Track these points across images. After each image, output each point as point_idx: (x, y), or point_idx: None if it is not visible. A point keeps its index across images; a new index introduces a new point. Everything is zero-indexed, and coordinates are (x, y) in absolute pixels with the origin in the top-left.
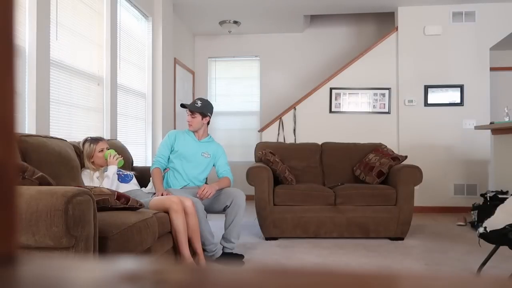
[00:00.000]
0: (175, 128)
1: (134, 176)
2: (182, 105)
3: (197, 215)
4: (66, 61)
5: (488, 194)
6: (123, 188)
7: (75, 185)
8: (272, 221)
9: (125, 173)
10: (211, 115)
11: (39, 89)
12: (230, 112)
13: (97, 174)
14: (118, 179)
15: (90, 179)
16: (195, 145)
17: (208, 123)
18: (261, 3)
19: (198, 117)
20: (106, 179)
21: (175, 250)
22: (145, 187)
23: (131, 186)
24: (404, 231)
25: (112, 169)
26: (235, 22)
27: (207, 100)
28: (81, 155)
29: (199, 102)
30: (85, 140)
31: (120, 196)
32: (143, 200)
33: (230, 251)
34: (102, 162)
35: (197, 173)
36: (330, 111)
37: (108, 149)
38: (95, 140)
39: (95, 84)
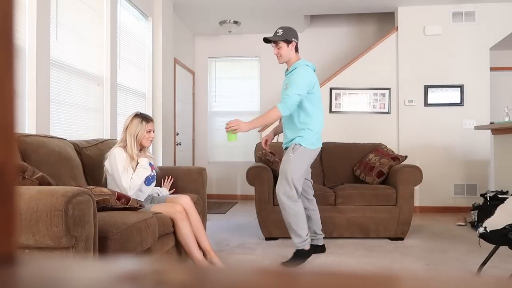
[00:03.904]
0: (175, 128)
1: (156, 177)
2: (265, 40)
3: None
4: (66, 61)
5: (488, 194)
6: (144, 193)
7: (76, 184)
8: (272, 221)
9: (152, 174)
10: (297, 39)
11: (39, 89)
12: (230, 112)
13: (133, 163)
14: (144, 182)
15: (127, 161)
16: (283, 81)
17: (296, 49)
18: (261, 3)
19: (283, 45)
20: (140, 170)
21: (177, 250)
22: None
23: (151, 189)
24: (404, 231)
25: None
26: (235, 22)
27: (288, 26)
28: (124, 131)
29: (279, 30)
30: (135, 115)
31: (120, 196)
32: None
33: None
34: (146, 143)
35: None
36: (330, 111)
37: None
38: (146, 118)
39: (95, 84)
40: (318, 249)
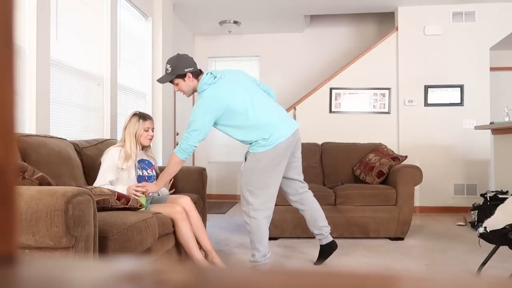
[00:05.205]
0: (175, 128)
1: (154, 178)
2: (158, 81)
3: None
4: (66, 61)
5: (488, 194)
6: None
7: (75, 184)
8: (272, 221)
9: (149, 174)
10: (192, 67)
11: (39, 89)
12: None
13: (130, 162)
14: (139, 182)
15: (121, 159)
16: None
17: (197, 77)
18: (261, 3)
19: (180, 81)
20: (128, 172)
21: (177, 250)
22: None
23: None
24: (404, 231)
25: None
26: (235, 22)
27: (175, 56)
28: (123, 131)
29: (168, 66)
30: (133, 114)
31: (120, 196)
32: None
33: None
34: (144, 142)
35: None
36: (330, 111)
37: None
38: (144, 116)
39: (95, 84)
40: (326, 248)
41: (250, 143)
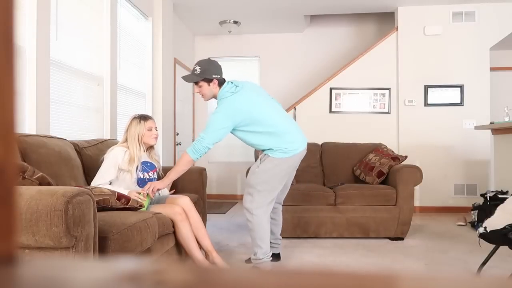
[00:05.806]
0: (175, 128)
1: (155, 180)
2: (183, 78)
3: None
4: (66, 61)
5: (488, 194)
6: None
7: (75, 184)
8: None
9: (150, 176)
10: (219, 75)
11: (39, 89)
12: None
13: (130, 166)
14: (139, 184)
15: (125, 161)
16: None
17: (220, 85)
18: (261, 3)
19: (204, 84)
20: (130, 175)
21: (177, 250)
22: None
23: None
24: (404, 231)
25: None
26: (235, 22)
27: (206, 60)
28: (125, 133)
29: (197, 67)
30: (134, 117)
31: (120, 196)
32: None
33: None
34: (150, 141)
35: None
36: (330, 111)
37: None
38: (145, 117)
39: (95, 84)
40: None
41: (269, 149)
